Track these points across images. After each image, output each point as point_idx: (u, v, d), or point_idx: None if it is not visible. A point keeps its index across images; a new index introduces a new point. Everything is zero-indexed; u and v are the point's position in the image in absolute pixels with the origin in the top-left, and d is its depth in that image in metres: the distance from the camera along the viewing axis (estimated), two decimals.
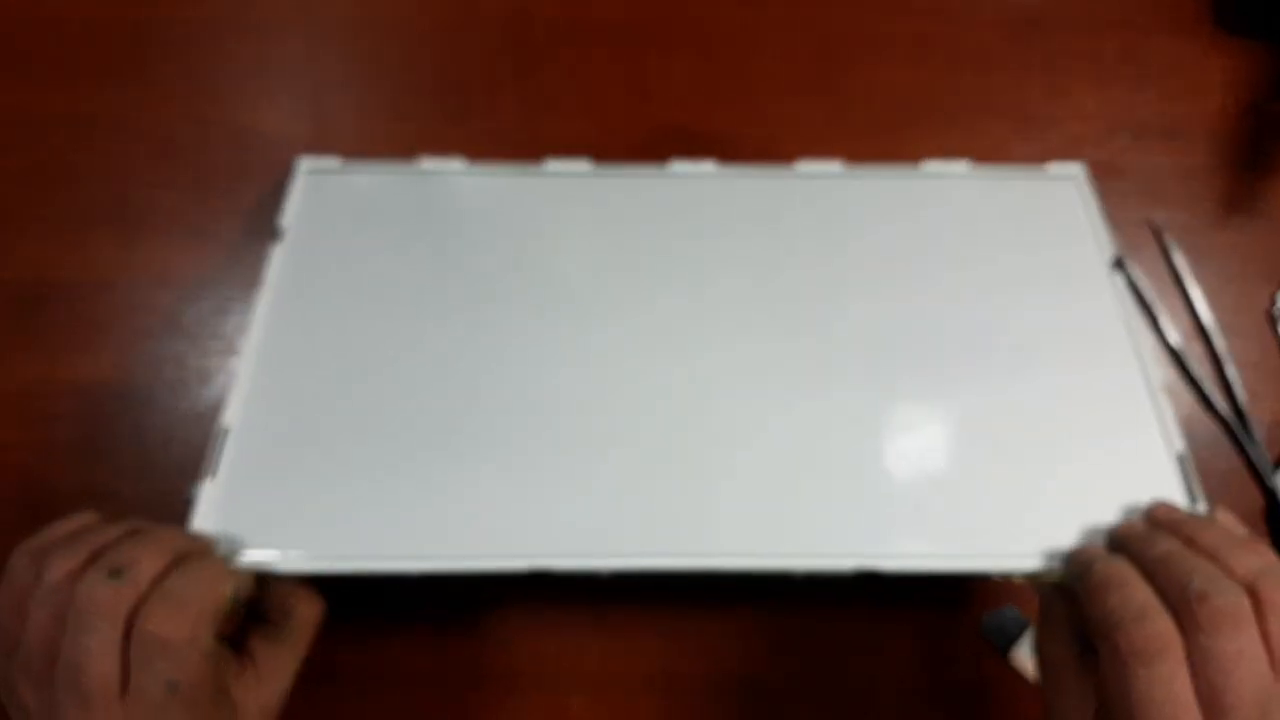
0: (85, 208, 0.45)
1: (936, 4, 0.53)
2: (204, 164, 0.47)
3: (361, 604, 0.35)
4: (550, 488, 0.31)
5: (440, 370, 0.33)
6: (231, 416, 0.32)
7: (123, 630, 0.24)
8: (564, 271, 0.36)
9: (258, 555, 0.29)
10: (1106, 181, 0.39)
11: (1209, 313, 0.43)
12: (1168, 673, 0.23)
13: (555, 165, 0.39)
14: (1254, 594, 0.23)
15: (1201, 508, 0.30)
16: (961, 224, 0.37)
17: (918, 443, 0.32)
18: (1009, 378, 0.33)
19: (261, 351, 0.34)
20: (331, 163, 0.39)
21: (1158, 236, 0.45)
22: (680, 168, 0.39)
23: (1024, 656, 0.35)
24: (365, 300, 0.35)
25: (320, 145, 0.40)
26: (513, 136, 0.48)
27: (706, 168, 0.39)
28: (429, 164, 0.39)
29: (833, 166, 0.39)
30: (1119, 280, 0.35)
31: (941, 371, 0.33)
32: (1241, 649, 0.23)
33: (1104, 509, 0.30)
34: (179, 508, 0.31)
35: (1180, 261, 0.44)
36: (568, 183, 0.39)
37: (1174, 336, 0.42)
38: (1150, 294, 0.43)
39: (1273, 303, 0.43)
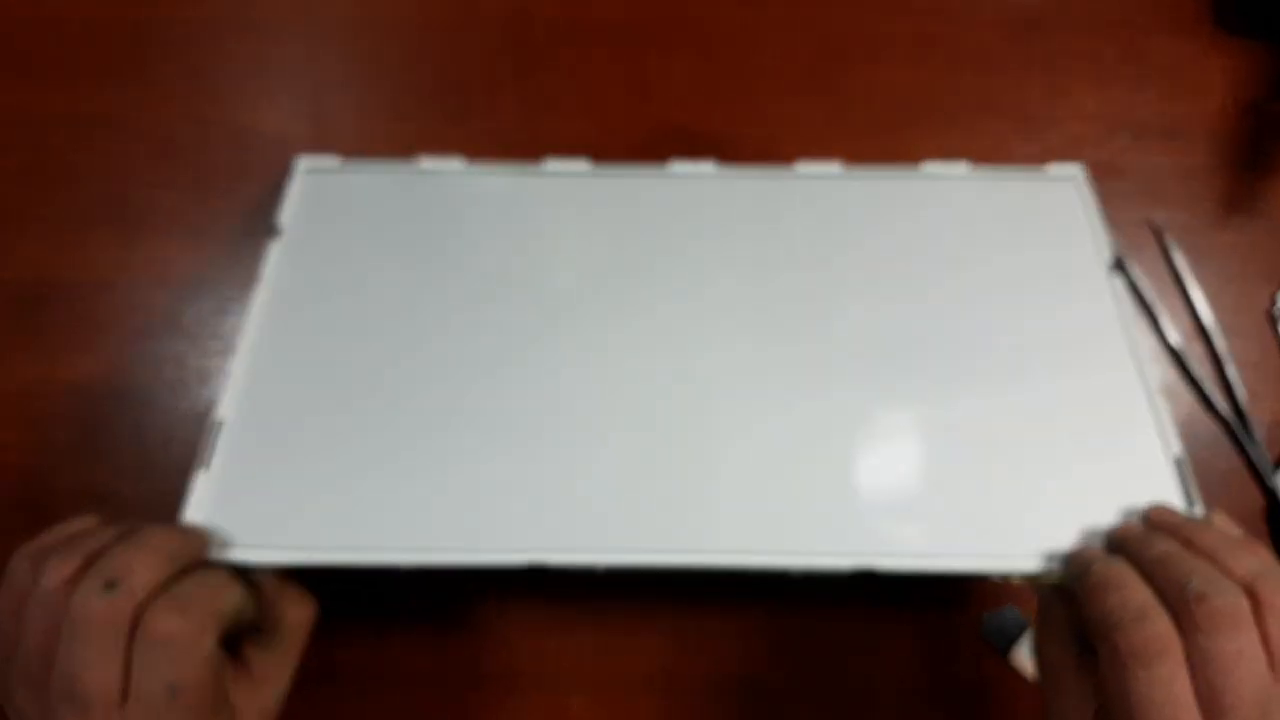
0: (85, 208, 0.45)
1: (936, 4, 0.53)
2: (204, 164, 0.47)
3: (361, 604, 0.36)
4: (547, 483, 0.31)
5: (436, 367, 0.33)
6: (226, 409, 0.32)
7: (121, 639, 0.24)
8: (561, 271, 0.36)
9: (250, 547, 0.29)
10: (1107, 182, 0.39)
11: (1209, 313, 0.43)
12: (1167, 674, 0.23)
13: (554, 165, 0.39)
14: (1253, 595, 0.23)
15: (1199, 511, 0.30)
16: (961, 225, 0.37)
17: (917, 443, 0.32)
18: (1008, 379, 0.33)
19: (257, 346, 0.34)
20: (330, 162, 0.39)
21: (1158, 237, 0.45)
22: (679, 168, 0.39)
23: (1023, 657, 0.35)
24: (362, 297, 0.35)
25: (320, 145, 0.40)
26: (512, 136, 0.48)
27: (706, 168, 0.39)
28: (427, 163, 0.39)
29: (832, 167, 0.39)
30: (1118, 282, 0.35)
31: (940, 372, 0.33)
32: (1240, 649, 0.23)
33: (1102, 511, 0.30)
34: (179, 508, 0.30)
35: (1180, 262, 0.44)
36: (566, 182, 0.39)
37: (1174, 337, 0.42)
38: (1151, 294, 0.43)
39: (1273, 303, 0.43)
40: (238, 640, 0.28)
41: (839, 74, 0.50)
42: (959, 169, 0.39)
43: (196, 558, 0.28)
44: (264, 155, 0.46)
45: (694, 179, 0.39)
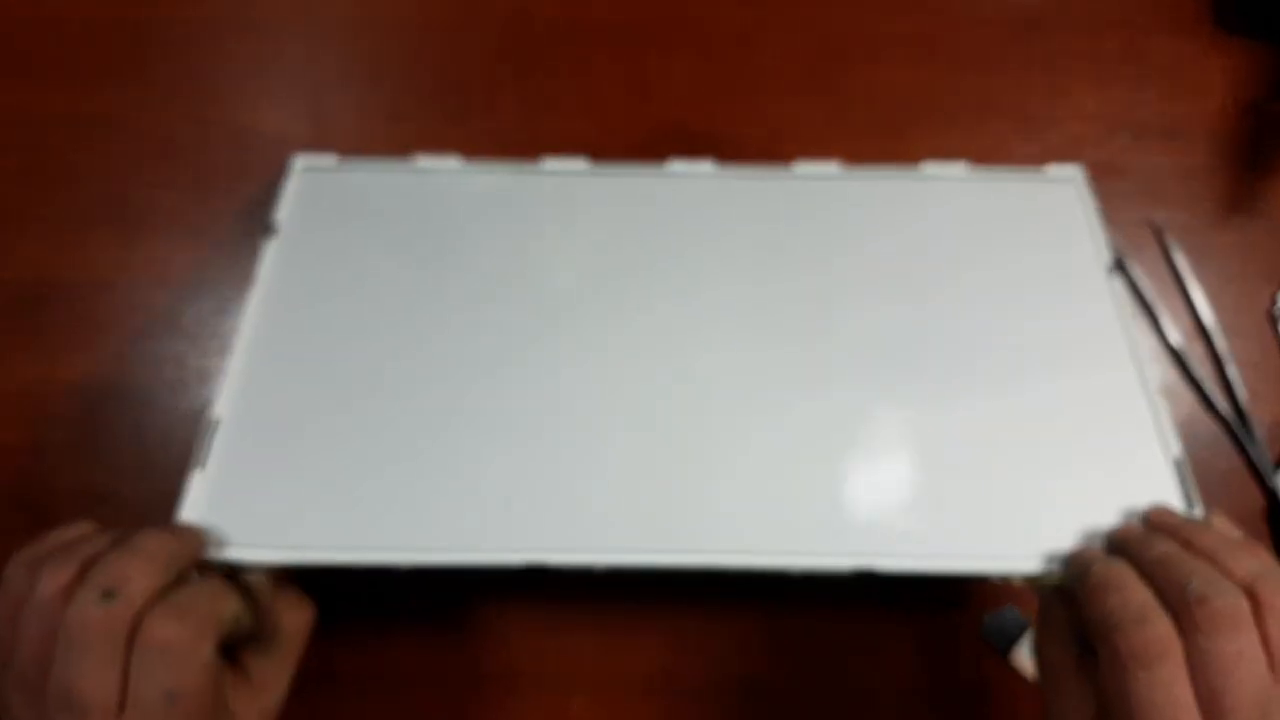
0: (85, 208, 0.45)
1: (936, 4, 0.53)
2: (204, 164, 0.47)
3: (360, 605, 0.36)
4: (547, 483, 0.31)
5: (433, 366, 0.33)
6: (222, 409, 0.32)
7: (119, 648, 0.24)
8: (559, 270, 0.36)
9: (247, 547, 0.29)
10: (1107, 182, 0.39)
11: (1210, 313, 0.43)
12: (1167, 676, 0.23)
13: (552, 164, 0.39)
14: (1253, 596, 0.23)
15: (1198, 512, 0.30)
16: (960, 226, 0.37)
17: (916, 443, 0.32)
18: (1008, 379, 0.33)
19: (253, 345, 0.34)
20: (327, 160, 0.39)
21: (1158, 236, 0.45)
22: (678, 167, 0.39)
23: (1024, 657, 0.35)
24: (358, 295, 0.35)
25: (320, 145, 0.40)
26: (512, 136, 0.48)
27: (704, 168, 0.39)
28: (425, 162, 0.39)
29: (830, 168, 0.39)
30: (1117, 283, 0.35)
31: (940, 372, 0.33)
32: (1241, 651, 0.23)
33: (1103, 512, 0.30)
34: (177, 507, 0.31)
35: (1181, 261, 0.44)
36: (564, 181, 0.39)
37: (1175, 337, 0.42)
38: (1151, 294, 0.43)
39: (1273, 302, 0.43)
40: (236, 647, 0.28)
41: (839, 74, 0.50)
42: (958, 170, 0.39)
43: (193, 560, 0.28)
44: (264, 155, 0.46)
45: (692, 178, 0.39)
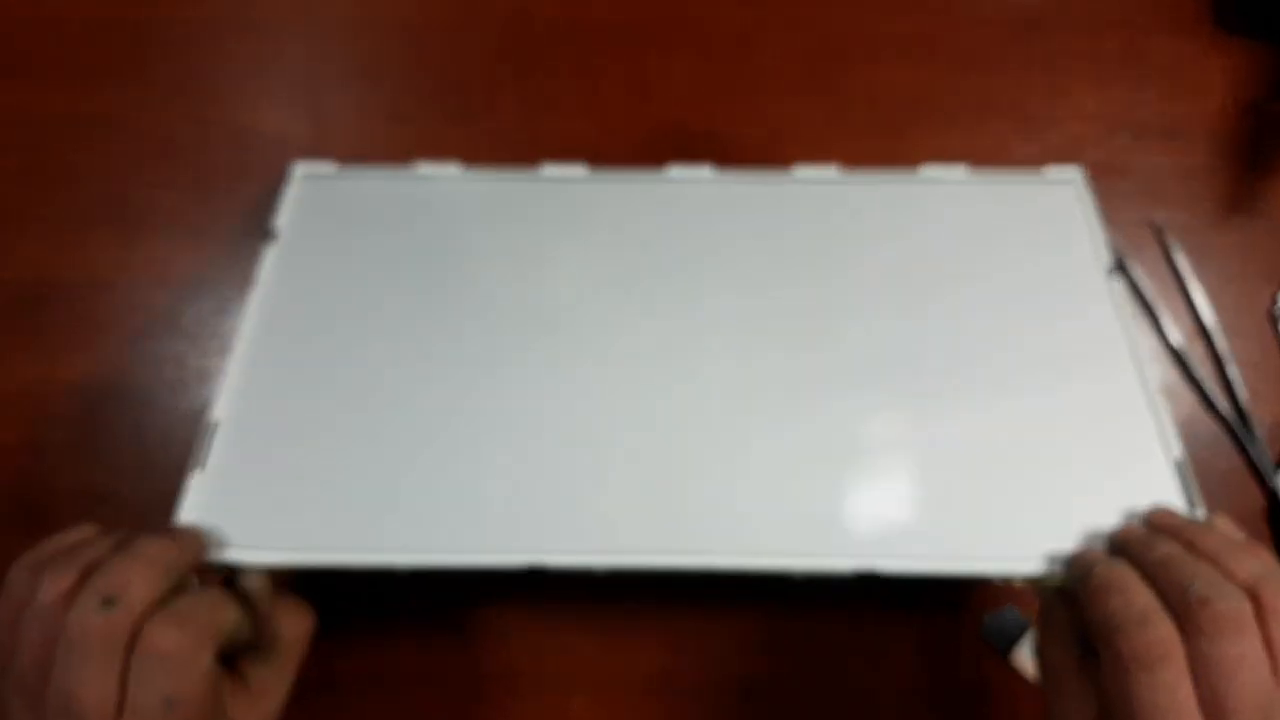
0: (85, 208, 0.45)
1: (936, 4, 0.53)
2: (204, 164, 0.47)
3: (360, 606, 0.36)
4: (547, 484, 0.31)
5: (432, 369, 0.33)
6: (221, 410, 0.32)
7: (118, 654, 0.24)
8: (557, 275, 0.36)
9: (246, 548, 0.29)
10: (1107, 181, 0.39)
11: (1210, 313, 0.43)
12: (1170, 679, 0.23)
13: (551, 170, 0.39)
14: (1255, 598, 0.23)
15: (1200, 513, 0.30)
16: (960, 229, 0.37)
17: (918, 445, 0.32)
18: (1008, 381, 0.33)
19: (253, 348, 0.34)
20: (326, 168, 0.39)
21: (1158, 237, 0.45)
22: (677, 172, 0.39)
23: (1024, 658, 0.35)
24: (358, 299, 0.35)
25: (320, 145, 0.40)
26: (512, 137, 0.48)
27: (704, 173, 0.39)
28: (425, 169, 0.39)
29: (830, 172, 0.39)
30: (1118, 285, 0.35)
31: (941, 374, 0.33)
32: (1243, 654, 0.23)
33: (1104, 513, 0.30)
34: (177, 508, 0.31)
35: (1181, 262, 0.44)
36: (564, 187, 0.39)
37: (1175, 337, 0.42)
38: (1151, 294, 0.43)
39: (1274, 302, 0.43)
40: (235, 654, 0.28)
41: (839, 74, 0.50)
42: (957, 173, 0.39)
43: (195, 565, 0.28)
44: (264, 156, 0.46)
45: (692, 184, 0.39)
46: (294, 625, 0.30)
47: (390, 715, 0.35)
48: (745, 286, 0.36)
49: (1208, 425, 0.41)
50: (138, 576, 0.25)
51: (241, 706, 0.27)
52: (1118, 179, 0.47)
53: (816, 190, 0.38)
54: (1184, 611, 0.23)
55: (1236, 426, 0.40)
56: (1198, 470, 0.31)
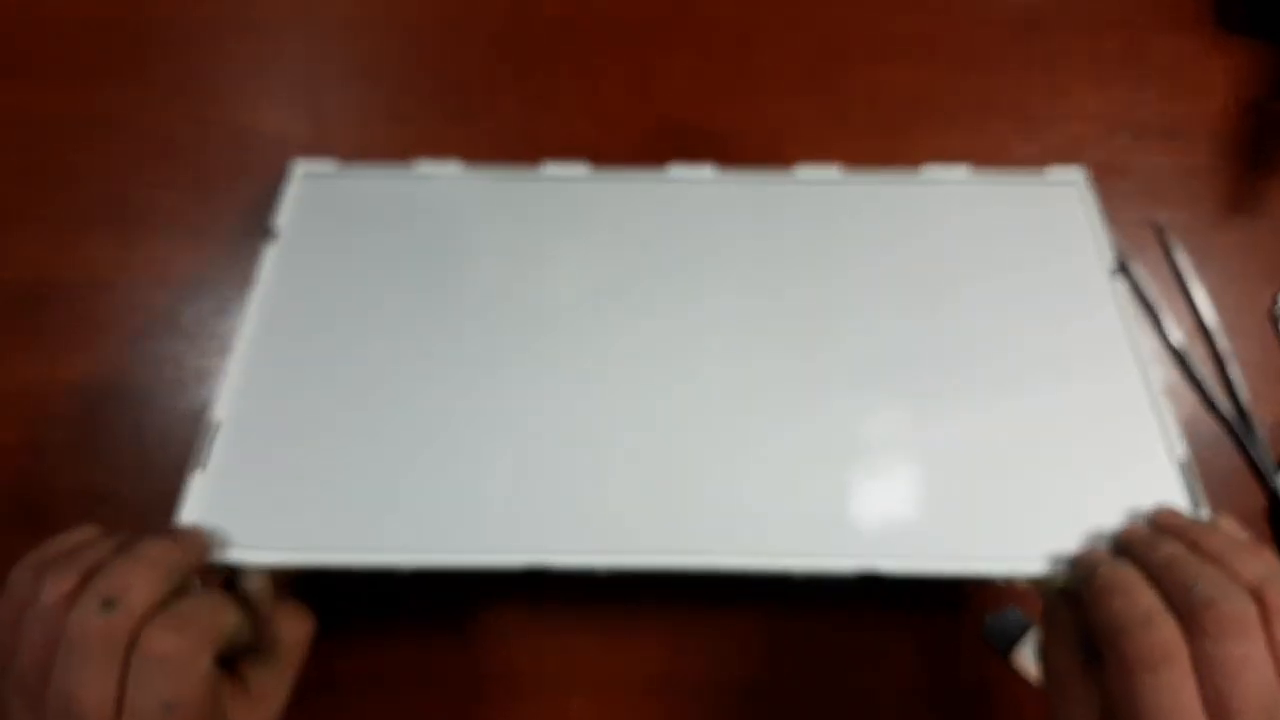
0: (85, 208, 0.45)
1: (936, 4, 0.53)
2: (204, 164, 0.47)
3: (360, 607, 0.35)
4: (548, 485, 0.31)
5: (434, 369, 0.33)
6: (222, 410, 0.32)
7: (118, 657, 0.24)
8: (559, 274, 0.36)
9: (247, 548, 0.29)
10: (1108, 181, 0.39)
11: (1211, 312, 0.43)
12: (1174, 680, 0.23)
13: (552, 169, 0.39)
14: (1260, 600, 0.23)
15: (1204, 514, 0.30)
16: (962, 229, 0.37)
17: (920, 446, 0.32)
18: (1011, 381, 0.33)
19: (253, 347, 0.34)
20: (326, 166, 0.39)
21: (1160, 236, 0.45)
22: (678, 172, 0.39)
23: (1026, 658, 0.35)
24: (359, 298, 0.35)
25: (320, 145, 0.40)
26: (512, 136, 0.48)
27: (704, 172, 0.39)
28: (425, 168, 0.39)
29: (831, 172, 0.39)
30: (1120, 286, 0.35)
31: (944, 374, 0.33)
32: (1247, 655, 0.23)
33: (1108, 513, 0.30)
34: (177, 508, 0.30)
35: (1182, 262, 0.44)
36: (564, 186, 0.39)
37: (1176, 337, 0.42)
38: (1152, 294, 0.43)
39: (1275, 302, 0.43)
40: (235, 658, 0.28)
41: (839, 74, 0.50)
42: (958, 173, 0.39)
43: (196, 567, 0.28)
44: (264, 155, 0.46)
45: (693, 183, 0.39)
46: (294, 629, 0.30)
47: (390, 715, 0.35)
48: (746, 286, 0.36)
49: (1209, 425, 0.41)
50: (139, 579, 0.25)
51: (241, 710, 0.27)
52: (1118, 179, 0.46)
53: (817, 190, 0.38)
54: (1188, 613, 0.23)
55: (1238, 426, 0.40)
56: (1199, 470, 0.31)
